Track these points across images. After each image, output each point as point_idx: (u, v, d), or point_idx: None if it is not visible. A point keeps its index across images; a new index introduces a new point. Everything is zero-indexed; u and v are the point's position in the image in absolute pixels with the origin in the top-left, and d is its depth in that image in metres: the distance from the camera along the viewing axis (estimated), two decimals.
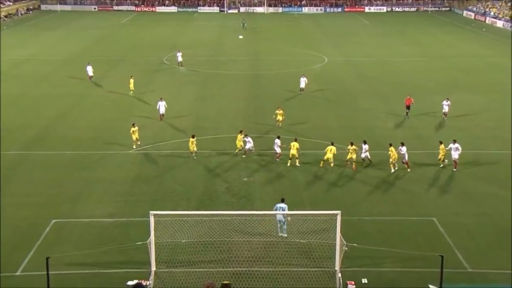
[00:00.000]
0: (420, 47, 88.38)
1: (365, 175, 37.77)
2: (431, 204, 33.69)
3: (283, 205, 28.82)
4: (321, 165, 38.76)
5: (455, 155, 38.26)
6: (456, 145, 38.30)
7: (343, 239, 25.38)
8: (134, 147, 42.00)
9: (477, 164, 40.47)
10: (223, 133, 46.61)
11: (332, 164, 38.73)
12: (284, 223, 28.45)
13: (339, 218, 25.40)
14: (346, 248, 25.31)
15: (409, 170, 37.88)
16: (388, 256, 27.19)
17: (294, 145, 39.10)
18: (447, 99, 50.49)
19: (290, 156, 39.09)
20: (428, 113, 51.54)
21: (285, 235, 28.16)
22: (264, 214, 29.15)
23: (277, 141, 40.93)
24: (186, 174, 38.03)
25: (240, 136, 40.72)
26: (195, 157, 39.81)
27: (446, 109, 50.02)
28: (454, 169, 38.14)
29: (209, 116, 51.67)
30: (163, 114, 49.20)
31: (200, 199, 34.02)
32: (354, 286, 25.04)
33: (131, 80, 58.79)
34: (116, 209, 32.62)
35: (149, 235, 25.43)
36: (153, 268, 25.62)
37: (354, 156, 38.67)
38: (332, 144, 39.48)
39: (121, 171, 38.51)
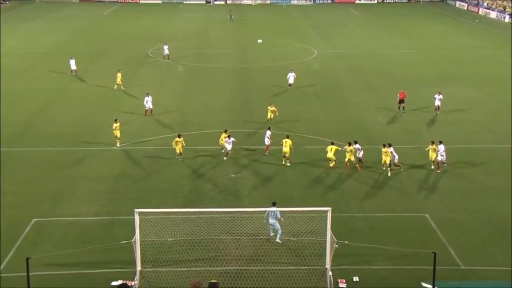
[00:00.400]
0: (411, 38, 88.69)
1: (356, 171, 37.83)
2: (424, 200, 33.85)
3: (274, 208, 28.17)
4: (331, 165, 37.74)
5: (439, 156, 37.47)
6: (442, 146, 37.59)
7: (333, 237, 25.42)
8: (118, 145, 41.55)
9: (471, 158, 40.69)
10: (210, 128, 46.52)
11: (332, 164, 37.80)
12: (278, 228, 28.03)
13: (329, 215, 25.44)
14: (336, 246, 25.34)
15: (402, 169, 37.28)
16: (380, 254, 27.28)
17: (287, 142, 38.32)
18: (439, 92, 50.35)
19: (283, 154, 38.67)
20: (421, 107, 51.72)
21: (279, 241, 27.93)
22: (253, 211, 29.11)
23: (268, 133, 40.93)
24: (171, 170, 37.93)
25: (224, 136, 39.85)
26: (180, 159, 38.95)
27: (438, 103, 49.92)
28: (438, 171, 37.37)
29: (195, 111, 51.53)
30: (150, 110, 48.95)
31: (186, 197, 33.95)
32: (345, 284, 25.11)
33: (119, 74, 58.45)
34: (100, 207, 32.49)
35: (134, 233, 25.33)
36: (138, 268, 25.54)
37: (352, 157, 37.71)
38: (333, 144, 38.53)
39: (105, 168, 38.35)
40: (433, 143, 37.87)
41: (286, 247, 27.66)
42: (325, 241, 25.82)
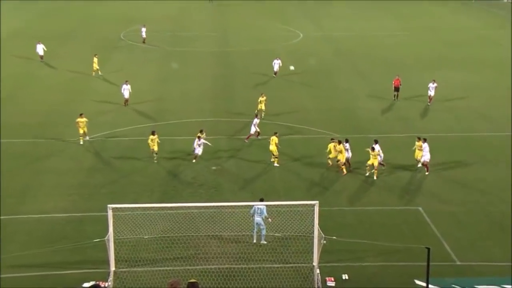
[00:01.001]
0: (404, 19, 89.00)
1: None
2: (417, 192, 34.07)
3: (261, 205, 27.82)
4: (343, 169, 36.21)
5: (424, 157, 35.99)
6: (426, 145, 36.05)
7: (321, 232, 25.42)
8: (81, 142, 40.44)
9: (467, 147, 41.02)
10: (189, 117, 46.48)
11: (331, 162, 36.85)
12: (264, 227, 27.83)
13: (316, 208, 25.44)
14: (324, 242, 25.35)
15: (383, 167, 36.21)
16: (371, 249, 27.37)
17: (273, 140, 37.30)
18: (433, 81, 49.66)
19: (270, 152, 37.79)
20: (415, 94, 51.90)
21: (265, 242, 27.89)
22: (235, 205, 28.99)
23: (255, 121, 40.92)
24: (148, 163, 37.80)
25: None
26: (155, 160, 37.60)
27: (432, 92, 49.20)
28: (427, 173, 36.10)
29: (173, 99, 51.46)
30: (127, 99, 48.57)
31: (164, 191, 33.86)
32: (334, 282, 25.18)
33: (95, 59, 58.10)
34: (70, 203, 32.27)
35: (107, 231, 25.17)
36: (112, 268, 25.42)
37: (342, 158, 36.38)
38: (333, 140, 37.34)
39: (75, 160, 38.12)
40: (419, 139, 36.71)
41: (271, 244, 27.69)
42: (312, 236, 25.82)
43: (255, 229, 27.84)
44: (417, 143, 36.78)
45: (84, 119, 40.63)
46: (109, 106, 48.92)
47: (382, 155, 35.94)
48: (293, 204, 28.32)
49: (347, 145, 36.66)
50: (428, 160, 36.03)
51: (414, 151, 37.01)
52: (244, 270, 25.68)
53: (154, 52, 68.89)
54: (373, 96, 52.15)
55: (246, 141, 40.71)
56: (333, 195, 33.58)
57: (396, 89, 50.52)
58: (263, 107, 45.76)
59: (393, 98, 50.48)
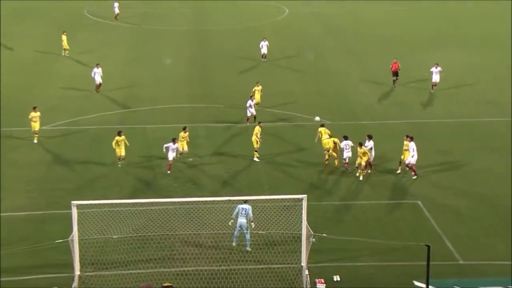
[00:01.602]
0: None
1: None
2: (415, 184, 34.07)
3: (246, 206, 27.56)
4: (336, 164, 35.47)
5: (410, 159, 34.27)
6: (412, 144, 34.28)
7: (310, 229, 25.40)
8: (35, 140, 39.11)
9: (470, 134, 41.12)
10: (162, 102, 46.30)
11: (336, 156, 35.82)
12: (247, 230, 27.45)
13: (304, 203, 25.41)
14: (313, 240, 25.35)
15: (370, 171, 34.79)
16: (365, 248, 27.37)
17: (255, 130, 36.74)
18: (437, 64, 48.85)
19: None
20: (413, 76, 51.78)
21: (249, 249, 27.47)
22: (215, 201, 28.91)
23: (250, 102, 41.23)
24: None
25: (183, 135, 36.34)
26: (119, 165, 35.70)
27: (436, 78, 48.35)
28: (414, 176, 34.49)
29: (145, 83, 51.15)
30: (100, 84, 47.80)
31: (135, 185, 33.66)
32: (324, 285, 25.16)
33: (64, 37, 57.75)
34: (29, 200, 31.96)
35: (71, 231, 25.00)
36: (77, 272, 25.28)
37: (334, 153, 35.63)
38: (330, 137, 36.06)
39: (35, 152, 37.78)
40: (407, 137, 34.86)
41: (255, 242, 27.59)
42: (300, 234, 25.78)
43: (237, 231, 27.47)
44: (405, 142, 34.75)
45: (38, 113, 39.12)
46: (73, 91, 48.50)
47: (373, 153, 34.78)
48: (279, 199, 28.28)
49: (371, 143, 34.93)
50: (414, 162, 34.22)
51: (402, 152, 34.92)
52: (224, 272, 25.57)
53: (124, 31, 68.39)
54: (367, 79, 52.17)
55: (247, 123, 40.99)
56: (324, 188, 33.51)
57: (395, 73, 49.87)
58: (259, 98, 44.20)
59: (393, 85, 49.97)
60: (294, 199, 26.84)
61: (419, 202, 32.01)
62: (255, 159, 36.68)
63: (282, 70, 54.50)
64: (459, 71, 53.81)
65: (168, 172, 34.92)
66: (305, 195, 25.66)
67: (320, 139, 36.41)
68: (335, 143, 35.64)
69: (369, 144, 34.90)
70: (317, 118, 40.18)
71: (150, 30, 68.46)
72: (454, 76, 51.91)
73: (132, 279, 25.19)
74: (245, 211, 27.12)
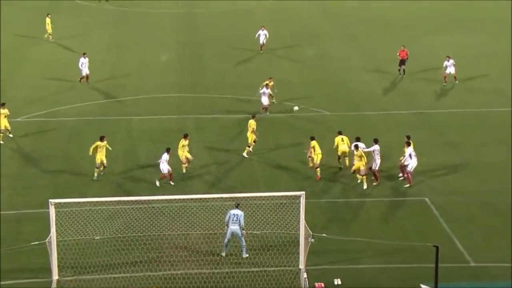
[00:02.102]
0: None
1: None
2: (422, 180, 33.99)
3: (237, 211, 27.33)
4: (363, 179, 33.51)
5: (409, 163, 32.81)
6: (410, 149, 32.85)
7: (308, 229, 25.37)
8: (1, 141, 38.04)
9: (482, 125, 41.00)
10: (148, 92, 46.21)
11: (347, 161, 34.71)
12: (242, 238, 27.16)
13: (302, 201, 25.36)
14: (312, 240, 25.34)
15: (375, 183, 33.14)
16: (367, 249, 27.35)
17: (251, 124, 36.31)
18: (448, 57, 47.98)
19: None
20: (419, 62, 51.71)
21: (246, 255, 27.19)
22: (205, 198, 28.93)
23: (265, 91, 41.12)
24: None
25: (184, 143, 34.24)
26: (95, 177, 33.51)
27: (452, 70, 47.61)
28: (407, 185, 33.14)
29: (128, 71, 51.01)
30: (87, 76, 47.09)
31: (119, 182, 33.61)
32: None
33: (48, 20, 57.54)
34: (2, 199, 31.68)
35: (48, 232, 24.87)
36: (55, 277, 25.17)
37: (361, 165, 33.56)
38: (340, 133, 34.99)
39: (8, 146, 37.58)
40: (409, 138, 33.64)
41: (248, 243, 27.54)
42: (298, 234, 25.76)
43: (227, 239, 27.10)
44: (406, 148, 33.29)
45: (6, 111, 38.12)
46: (50, 79, 48.35)
47: (378, 160, 33.07)
48: (275, 196, 28.21)
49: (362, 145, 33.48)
50: (411, 170, 32.90)
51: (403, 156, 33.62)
52: (216, 276, 25.54)
53: (106, 13, 68.16)
54: (370, 67, 52.10)
55: (266, 113, 41.14)
56: (323, 185, 33.42)
57: (402, 62, 49.65)
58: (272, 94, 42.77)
59: (399, 73, 49.86)
60: (291, 196, 26.80)
61: (427, 199, 31.99)
62: (244, 154, 36.27)
63: (277, 57, 54.41)
64: (469, 57, 53.71)
65: (157, 184, 32.83)
66: (303, 192, 25.62)
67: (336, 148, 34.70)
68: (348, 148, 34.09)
69: (375, 147, 33.03)
70: (296, 108, 40.48)
71: (134, 13, 68.26)
72: (464, 62, 51.78)
73: (115, 284, 25.09)
74: (237, 217, 26.79)
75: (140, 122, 41.09)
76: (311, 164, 34.27)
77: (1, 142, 37.86)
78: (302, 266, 25.71)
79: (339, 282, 25.46)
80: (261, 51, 55.45)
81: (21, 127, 39.97)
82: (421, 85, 48.07)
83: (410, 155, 32.85)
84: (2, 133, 38.07)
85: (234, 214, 26.89)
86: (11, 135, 38.71)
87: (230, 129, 40.13)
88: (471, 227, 29.67)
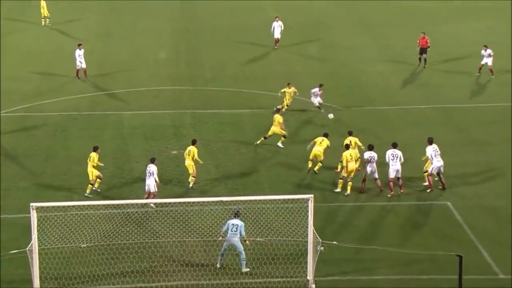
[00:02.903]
0: None
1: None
2: (444, 181, 33.90)
3: (237, 221, 26.88)
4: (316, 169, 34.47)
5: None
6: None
7: (317, 236, 25.25)
8: None
9: (509, 123, 40.76)
10: (140, 84, 46.30)
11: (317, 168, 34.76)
12: (242, 251, 26.83)
13: (311, 205, 25.26)
14: (322, 248, 25.19)
15: (389, 195, 32.44)
16: (383, 258, 27.23)
17: (276, 119, 36.60)
18: (485, 47, 47.42)
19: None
20: (439, 52, 51.73)
21: (246, 269, 26.87)
22: (203, 202, 28.88)
23: (316, 91, 40.88)
24: (85, 145, 37.09)
25: (192, 149, 33.35)
26: (88, 195, 32.40)
27: (489, 61, 46.95)
28: (429, 190, 32.87)
29: (118, 61, 51.14)
30: (85, 70, 46.74)
31: (108, 183, 33.54)
32: None
33: (43, 3, 57.83)
34: None
35: (30, 239, 24.74)
36: None
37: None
38: (350, 134, 34.61)
39: None
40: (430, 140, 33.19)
41: (251, 251, 27.46)
42: (306, 242, 25.66)
43: (224, 251, 26.92)
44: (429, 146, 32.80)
45: None
46: (32, 69, 48.43)
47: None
48: (281, 199, 28.23)
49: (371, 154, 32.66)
50: (432, 172, 32.66)
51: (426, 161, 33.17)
52: (215, 287, 25.42)
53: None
54: (385, 56, 52.15)
55: (322, 110, 40.86)
56: (333, 187, 33.30)
57: (423, 50, 49.48)
58: (289, 101, 41.61)
59: (419, 63, 49.79)
60: (298, 199, 26.78)
61: (449, 204, 31.88)
62: (280, 144, 37.01)
63: (283, 47, 54.32)
64: (496, 45, 53.38)
65: (153, 205, 30.62)
66: (312, 195, 25.52)
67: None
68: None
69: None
70: (331, 116, 39.72)
71: None
72: (495, 52, 51.60)
73: None
74: (237, 228, 26.51)
75: (131, 117, 41.16)
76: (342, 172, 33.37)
77: None
78: (310, 276, 25.59)
79: None
80: (276, 47, 53.96)
81: (1, 123, 39.97)
82: (443, 77, 48.08)
83: (430, 156, 32.53)
84: None
85: (233, 224, 26.57)
86: None
87: (230, 125, 40.11)
88: (498, 235, 29.45)
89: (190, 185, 33.03)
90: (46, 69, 48.68)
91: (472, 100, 44.05)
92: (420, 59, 49.65)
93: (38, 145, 37.65)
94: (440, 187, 33.00)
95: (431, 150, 32.68)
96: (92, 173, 32.42)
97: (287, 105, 41.38)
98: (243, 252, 26.76)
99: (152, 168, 31.14)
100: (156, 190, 31.02)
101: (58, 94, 44.43)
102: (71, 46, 50.57)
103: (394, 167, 32.32)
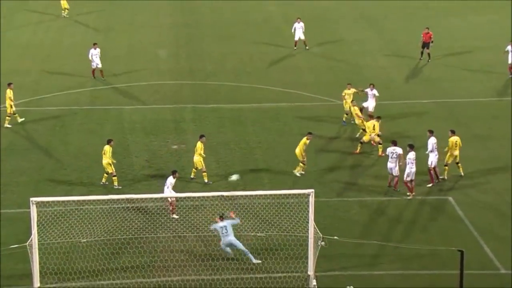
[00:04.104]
0: None
1: (349, 141, 37.90)
2: (446, 176, 33.86)
3: (224, 223, 26.62)
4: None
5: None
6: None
7: (318, 230, 25.33)
8: (7, 125, 39.19)
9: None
10: (140, 79, 46.27)
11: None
12: (242, 247, 26.70)
13: (312, 199, 25.31)
14: (322, 243, 25.28)
15: (410, 196, 32.06)
16: (384, 253, 27.35)
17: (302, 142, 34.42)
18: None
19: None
20: (445, 46, 51.62)
21: (257, 261, 26.75)
22: (203, 196, 28.77)
23: (371, 92, 39.04)
24: (85, 139, 37.52)
25: (198, 144, 33.31)
26: (117, 187, 32.46)
27: None
28: (430, 184, 33.04)
29: (118, 55, 51.16)
30: (100, 69, 46.15)
31: (108, 177, 33.23)
32: None
33: None
34: None
35: (29, 234, 24.83)
36: (37, 284, 25.12)
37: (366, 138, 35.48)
38: (378, 119, 35.74)
39: None
40: (453, 133, 33.64)
41: (252, 247, 27.54)
42: (306, 237, 25.72)
43: (228, 251, 26.91)
44: (452, 138, 33.18)
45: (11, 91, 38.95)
46: (31, 63, 48.49)
47: (413, 167, 31.79)
48: (281, 194, 28.19)
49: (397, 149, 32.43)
50: (431, 166, 32.89)
51: (447, 151, 33.44)
52: (216, 283, 25.54)
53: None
54: (387, 51, 52.13)
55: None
56: (334, 182, 33.41)
57: (425, 45, 49.44)
58: (350, 104, 39.10)
59: (420, 57, 49.75)
60: (299, 194, 26.82)
61: (451, 198, 31.94)
62: (297, 173, 34.18)
63: (284, 41, 54.21)
64: (501, 38, 53.39)
65: (175, 216, 29.98)
66: (312, 190, 25.57)
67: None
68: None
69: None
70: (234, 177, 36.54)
71: None
72: (494, 45, 51.67)
73: None
74: (226, 229, 26.64)
75: (131, 112, 41.17)
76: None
77: (7, 125, 38.92)
78: (311, 272, 25.65)
79: None
80: (296, 48, 52.49)
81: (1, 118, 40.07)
82: (444, 71, 48.00)
83: (432, 147, 32.76)
84: (9, 116, 39.02)
85: (221, 227, 26.79)
86: (21, 119, 39.43)
87: (231, 120, 40.14)
88: (500, 230, 29.52)
89: (206, 180, 33.04)
90: (45, 63, 48.61)
91: (473, 94, 43.94)
92: (422, 53, 49.65)
93: (37, 140, 37.69)
94: (437, 181, 33.08)
95: (433, 142, 32.90)
96: (109, 165, 32.42)
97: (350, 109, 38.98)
98: (243, 247, 26.89)
99: (171, 180, 30.19)
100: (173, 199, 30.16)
101: (57, 88, 44.42)
102: (69, 40, 50.70)
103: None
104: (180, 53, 51.94)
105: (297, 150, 33.87)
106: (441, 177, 33.40)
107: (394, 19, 59.61)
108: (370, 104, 39.05)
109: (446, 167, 33.43)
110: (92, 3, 64.38)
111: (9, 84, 39.36)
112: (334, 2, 65.12)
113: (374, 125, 35.50)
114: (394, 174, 32.37)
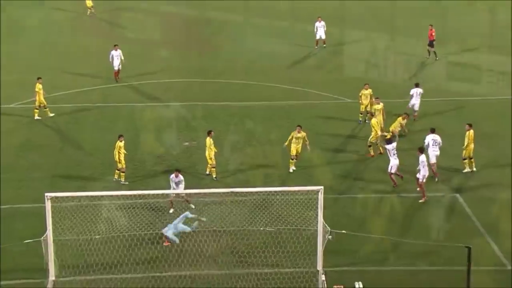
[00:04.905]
0: None
1: (360, 140, 37.92)
2: (453, 174, 33.98)
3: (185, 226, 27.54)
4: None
5: (432, 158, 32.72)
6: (437, 138, 33.17)
7: (326, 225, 25.38)
8: (37, 117, 39.86)
9: None
10: (149, 77, 46.59)
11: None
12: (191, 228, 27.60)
13: (321, 196, 25.30)
14: (330, 237, 25.31)
15: (422, 200, 31.70)
16: (392, 249, 27.39)
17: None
18: None
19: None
20: (448, 46, 51.62)
21: (203, 218, 27.89)
22: (214, 193, 28.88)
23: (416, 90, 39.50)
24: (99, 136, 37.67)
25: (210, 141, 33.40)
26: (124, 182, 33.07)
27: None
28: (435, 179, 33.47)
29: (129, 52, 50.22)
30: (119, 70, 45.93)
31: (120, 174, 33.50)
32: None
33: None
34: None
35: (44, 228, 24.93)
36: (52, 277, 25.19)
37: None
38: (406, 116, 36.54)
39: (2, 135, 37.72)
40: (470, 126, 33.95)
41: (262, 241, 27.66)
42: (316, 231, 25.74)
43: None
44: (468, 131, 33.73)
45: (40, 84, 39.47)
46: (44, 62, 48.64)
47: (425, 169, 31.40)
48: (290, 191, 28.26)
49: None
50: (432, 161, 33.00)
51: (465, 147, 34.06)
52: (225, 277, 25.66)
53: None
54: (394, 49, 52.02)
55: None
56: (343, 178, 33.49)
57: (431, 42, 49.45)
58: (367, 104, 39.34)
59: (427, 56, 49.75)
60: (308, 191, 26.78)
61: (458, 196, 31.97)
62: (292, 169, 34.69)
63: (293, 38, 54.22)
64: (503, 36, 53.32)
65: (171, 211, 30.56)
66: (321, 187, 25.54)
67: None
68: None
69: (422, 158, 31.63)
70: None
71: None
72: (496, 42, 51.57)
73: (116, 284, 25.27)
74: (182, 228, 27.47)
75: (143, 109, 41.25)
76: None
77: (37, 117, 39.46)
78: (319, 267, 25.68)
79: (361, 286, 25.47)
80: (316, 47, 52.37)
81: (14, 114, 40.29)
82: (449, 69, 47.91)
83: (428, 143, 33.09)
84: (37, 109, 39.49)
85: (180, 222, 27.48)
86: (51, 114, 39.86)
87: (241, 118, 40.23)
88: (507, 227, 29.41)
89: (214, 176, 33.33)
90: (58, 61, 48.72)
91: (480, 93, 43.97)
92: (429, 51, 49.61)
93: (51, 136, 37.92)
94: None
95: (430, 139, 33.15)
96: (121, 161, 32.71)
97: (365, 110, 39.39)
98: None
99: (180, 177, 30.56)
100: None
101: (70, 86, 44.59)
102: (82, 40, 50.74)
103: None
104: (191, 51, 51.97)
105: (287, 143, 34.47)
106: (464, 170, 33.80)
107: (404, 17, 59.44)
108: (416, 102, 39.46)
109: (466, 161, 33.78)
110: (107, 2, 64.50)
111: (38, 79, 39.73)
112: (344, 1, 65.11)
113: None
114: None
